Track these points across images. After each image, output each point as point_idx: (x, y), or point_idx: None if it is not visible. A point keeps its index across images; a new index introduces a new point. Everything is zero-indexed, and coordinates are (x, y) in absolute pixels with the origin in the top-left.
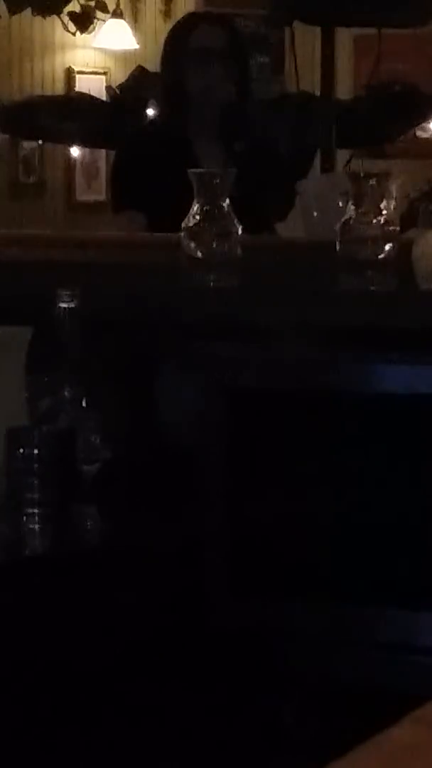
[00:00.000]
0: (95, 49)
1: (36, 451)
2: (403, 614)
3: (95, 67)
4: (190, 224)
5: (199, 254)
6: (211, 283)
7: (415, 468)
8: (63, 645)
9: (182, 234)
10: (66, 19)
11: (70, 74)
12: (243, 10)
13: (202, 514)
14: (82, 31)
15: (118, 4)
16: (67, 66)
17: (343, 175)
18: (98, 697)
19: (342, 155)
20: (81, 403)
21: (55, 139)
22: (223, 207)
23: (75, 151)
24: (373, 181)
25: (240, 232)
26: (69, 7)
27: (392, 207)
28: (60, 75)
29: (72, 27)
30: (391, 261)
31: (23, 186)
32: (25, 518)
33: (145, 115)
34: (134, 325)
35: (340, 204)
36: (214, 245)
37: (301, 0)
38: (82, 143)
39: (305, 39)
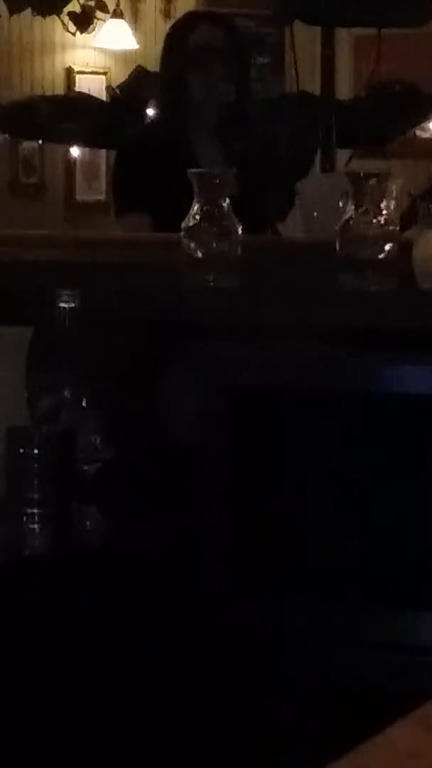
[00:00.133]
0: (95, 49)
1: (36, 451)
2: (403, 614)
3: (95, 67)
4: (190, 224)
5: (199, 254)
6: (211, 283)
7: (415, 468)
8: (63, 645)
9: (182, 234)
10: (66, 19)
11: (70, 74)
12: (243, 10)
13: (202, 513)
14: (82, 31)
15: (118, 4)
16: (67, 66)
17: (343, 175)
18: (98, 696)
19: (342, 155)
20: (81, 403)
21: (55, 139)
22: (223, 207)
23: (75, 151)
24: (373, 181)
25: (240, 232)
26: (69, 7)
27: (392, 207)
28: (60, 75)
29: (72, 27)
30: (391, 261)
31: (23, 186)
32: (25, 518)
33: (145, 115)
34: (134, 325)
35: (340, 204)
36: (214, 245)
37: (302, 0)
38: (82, 143)
39: (305, 39)
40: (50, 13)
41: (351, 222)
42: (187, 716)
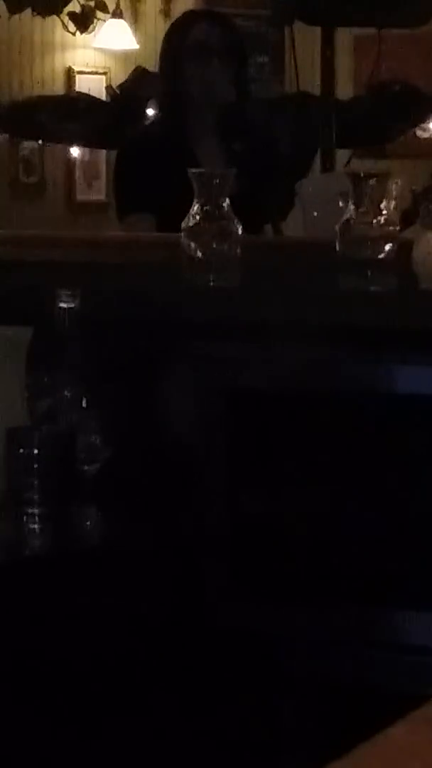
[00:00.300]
0: (95, 49)
1: (36, 451)
2: (403, 614)
3: (95, 67)
4: (190, 224)
5: (199, 254)
6: (211, 283)
7: (415, 468)
8: (63, 645)
9: (182, 234)
10: (66, 19)
11: (70, 74)
12: (243, 10)
13: (201, 514)
14: (82, 31)
15: (118, 4)
16: (67, 66)
17: (343, 175)
18: (98, 696)
19: (342, 155)
20: (81, 403)
21: (56, 139)
22: (223, 207)
23: (75, 151)
24: (373, 181)
25: (240, 232)
26: (69, 7)
27: (392, 207)
28: (60, 75)
29: (72, 27)
30: (391, 261)
31: (23, 186)
32: (25, 518)
33: (145, 115)
34: (134, 325)
35: (340, 204)
36: (214, 245)
37: (302, 0)
38: (83, 143)
39: (305, 39)
40: (50, 13)
41: (351, 222)
42: (187, 716)
